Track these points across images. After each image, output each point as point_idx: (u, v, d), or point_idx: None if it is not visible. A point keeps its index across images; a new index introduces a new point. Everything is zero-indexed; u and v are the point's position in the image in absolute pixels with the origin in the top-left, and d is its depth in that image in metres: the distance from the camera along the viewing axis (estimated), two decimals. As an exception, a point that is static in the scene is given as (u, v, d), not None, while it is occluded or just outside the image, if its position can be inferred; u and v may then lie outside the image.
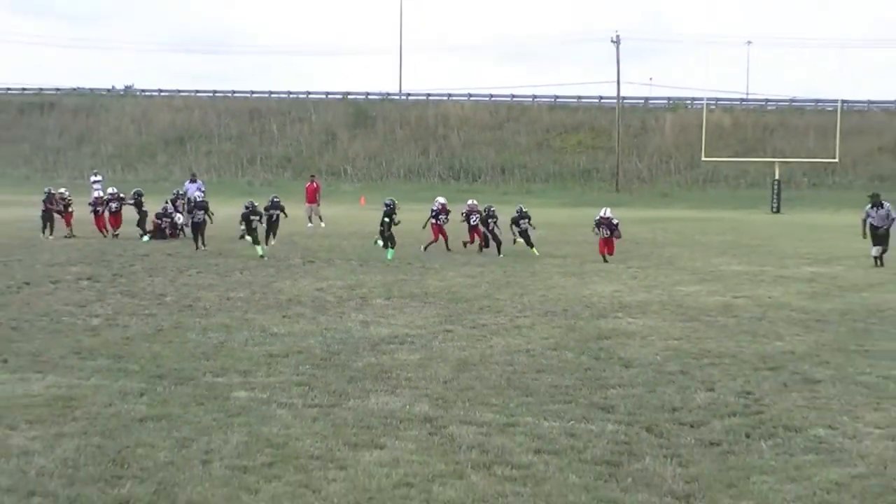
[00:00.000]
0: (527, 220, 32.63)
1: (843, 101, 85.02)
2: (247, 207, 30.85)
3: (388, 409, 11.27)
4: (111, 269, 26.00)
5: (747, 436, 10.34)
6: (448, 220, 33.59)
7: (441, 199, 34.56)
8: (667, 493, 8.46)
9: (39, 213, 36.87)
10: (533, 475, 8.92)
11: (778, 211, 72.27)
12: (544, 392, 12.31)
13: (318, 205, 47.29)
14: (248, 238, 30.70)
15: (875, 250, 30.07)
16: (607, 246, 30.08)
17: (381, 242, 30.78)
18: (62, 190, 39.54)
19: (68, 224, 37.24)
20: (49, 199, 37.21)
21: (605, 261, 29.36)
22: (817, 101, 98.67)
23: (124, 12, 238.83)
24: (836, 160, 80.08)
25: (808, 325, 18.05)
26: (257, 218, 30.80)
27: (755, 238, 42.63)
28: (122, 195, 38.68)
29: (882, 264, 29.59)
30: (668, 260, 30.05)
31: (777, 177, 76.20)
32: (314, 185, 48.41)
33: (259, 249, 29.99)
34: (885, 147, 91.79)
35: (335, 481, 8.65)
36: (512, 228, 32.86)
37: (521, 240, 32.63)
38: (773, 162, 79.86)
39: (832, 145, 78.79)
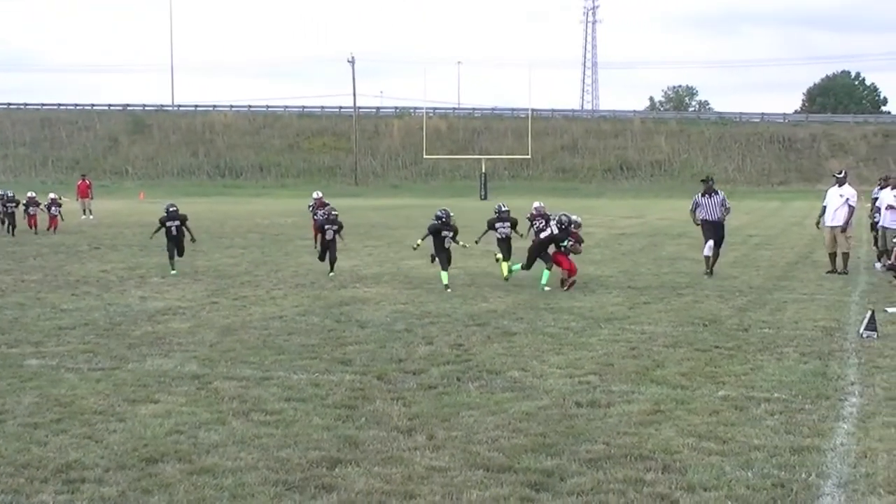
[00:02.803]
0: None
1: (533, 110, 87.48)
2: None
3: (162, 370, 10.98)
4: (-83, 258, 24.49)
5: (458, 379, 10.51)
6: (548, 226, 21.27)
7: (537, 204, 22.64)
8: (393, 428, 8.52)
9: None
10: (284, 419, 8.85)
11: (485, 198, 73.69)
12: (294, 350, 12.22)
13: (91, 199, 45.91)
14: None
15: (708, 248, 20.58)
16: (566, 260, 18.63)
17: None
18: None
19: None
20: None
21: (565, 286, 18.21)
22: (513, 109, 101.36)
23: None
24: (529, 156, 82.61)
25: (508, 289, 18.47)
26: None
27: (468, 221, 43.23)
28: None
29: (711, 272, 20.57)
30: (398, 239, 30.25)
31: (484, 170, 77.86)
32: (86, 182, 47.18)
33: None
34: (565, 146, 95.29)
35: (115, 432, 8.37)
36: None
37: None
38: (481, 158, 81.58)
39: (525, 144, 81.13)
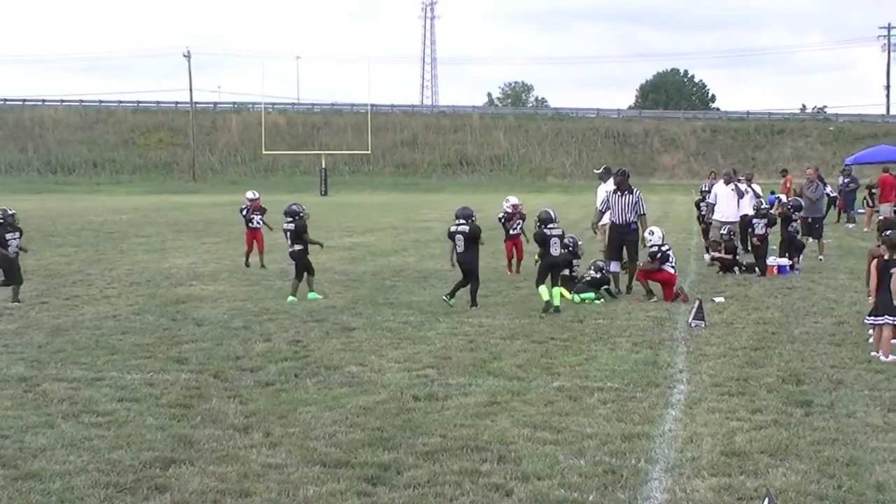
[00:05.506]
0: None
1: (372, 105, 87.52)
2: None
3: (-14, 373, 10.61)
4: None
5: (296, 376, 10.47)
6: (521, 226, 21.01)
7: (513, 199, 21.72)
8: (229, 426, 8.43)
9: None
10: (116, 420, 8.66)
11: (326, 194, 73.39)
12: (128, 350, 11.97)
13: None
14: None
15: (614, 265, 16.95)
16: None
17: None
18: None
19: None
20: None
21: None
22: (353, 104, 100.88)
23: None
24: (370, 152, 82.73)
25: (347, 284, 18.46)
26: None
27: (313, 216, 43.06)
28: None
29: (629, 290, 16.84)
30: (236, 236, 29.75)
31: (324, 166, 77.51)
32: None
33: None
34: (405, 141, 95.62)
35: (-65, 439, 8.05)
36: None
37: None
38: (320, 154, 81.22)
39: (365, 140, 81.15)
